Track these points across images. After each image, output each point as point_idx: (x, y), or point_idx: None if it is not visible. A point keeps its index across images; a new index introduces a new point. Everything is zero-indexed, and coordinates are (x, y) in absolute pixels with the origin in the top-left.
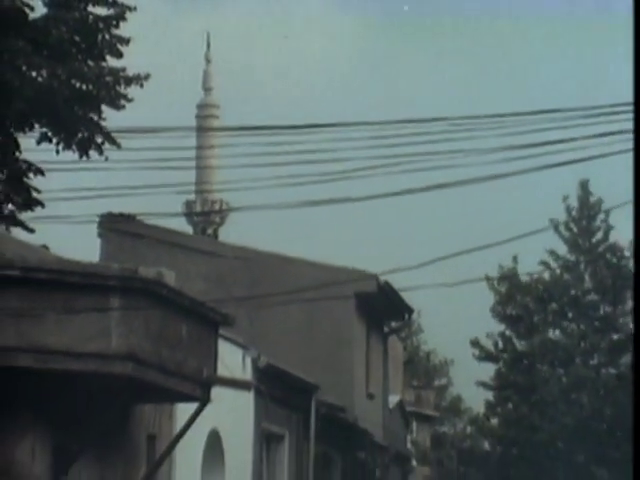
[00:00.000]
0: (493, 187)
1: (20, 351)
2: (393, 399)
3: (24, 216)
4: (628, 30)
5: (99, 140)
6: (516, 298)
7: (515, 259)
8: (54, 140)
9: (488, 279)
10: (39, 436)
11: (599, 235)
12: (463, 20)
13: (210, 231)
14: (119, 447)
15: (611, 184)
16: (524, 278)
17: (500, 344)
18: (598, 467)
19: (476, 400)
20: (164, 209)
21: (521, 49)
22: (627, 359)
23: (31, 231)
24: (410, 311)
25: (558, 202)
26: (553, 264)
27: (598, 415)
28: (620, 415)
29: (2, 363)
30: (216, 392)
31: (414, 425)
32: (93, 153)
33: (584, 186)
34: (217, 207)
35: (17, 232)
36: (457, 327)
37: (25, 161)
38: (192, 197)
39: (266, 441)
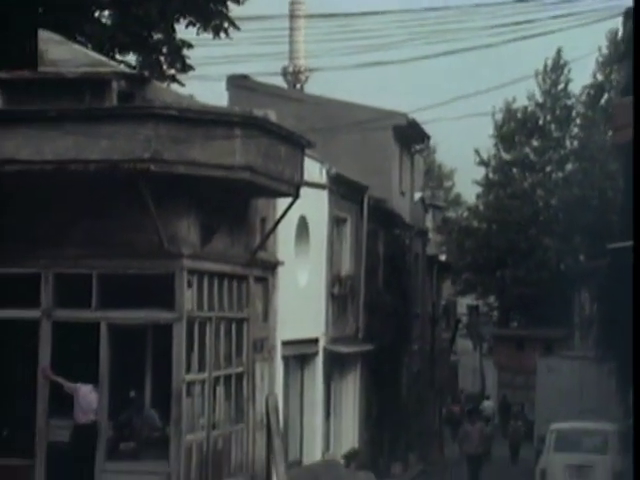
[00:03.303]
0: (496, 53)
1: (178, 163)
2: (416, 195)
3: (180, 76)
4: None
5: (226, 25)
6: (507, 124)
7: (514, 99)
8: (197, 25)
9: (493, 111)
10: (192, 217)
11: (562, 85)
12: None
13: (298, 86)
14: (242, 225)
15: (574, 49)
16: (519, 114)
17: (493, 151)
18: (545, 236)
19: (471, 196)
20: (269, 70)
21: None
22: (569, 167)
23: (183, 86)
24: (428, 137)
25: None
26: (531, 103)
27: (550, 204)
28: (563, 207)
29: (166, 171)
30: (303, 191)
31: (430, 212)
32: (222, 35)
33: (558, 52)
34: (303, 69)
35: (175, 87)
36: (465, 148)
37: (180, 39)
38: (286, 63)
39: (335, 222)
